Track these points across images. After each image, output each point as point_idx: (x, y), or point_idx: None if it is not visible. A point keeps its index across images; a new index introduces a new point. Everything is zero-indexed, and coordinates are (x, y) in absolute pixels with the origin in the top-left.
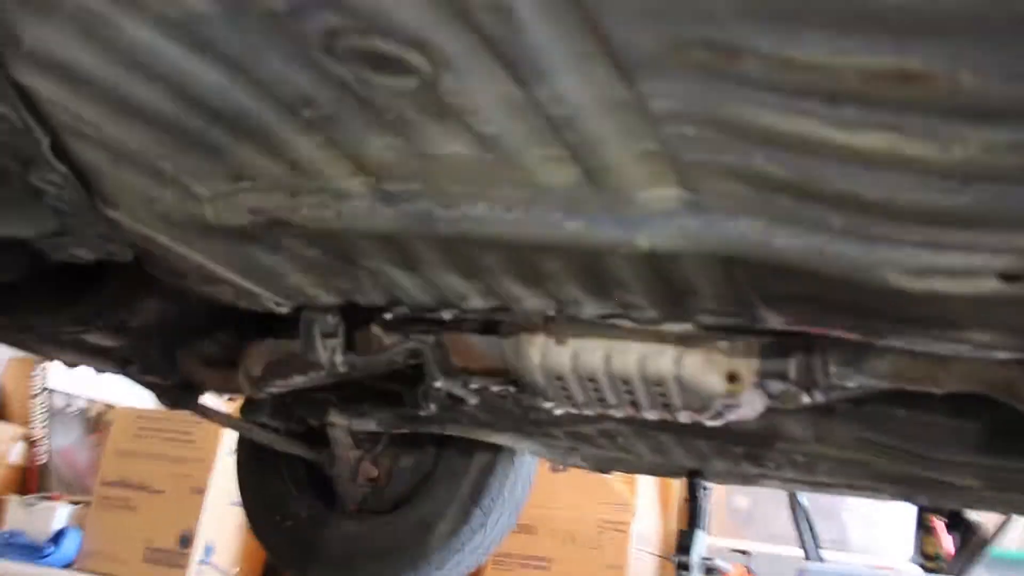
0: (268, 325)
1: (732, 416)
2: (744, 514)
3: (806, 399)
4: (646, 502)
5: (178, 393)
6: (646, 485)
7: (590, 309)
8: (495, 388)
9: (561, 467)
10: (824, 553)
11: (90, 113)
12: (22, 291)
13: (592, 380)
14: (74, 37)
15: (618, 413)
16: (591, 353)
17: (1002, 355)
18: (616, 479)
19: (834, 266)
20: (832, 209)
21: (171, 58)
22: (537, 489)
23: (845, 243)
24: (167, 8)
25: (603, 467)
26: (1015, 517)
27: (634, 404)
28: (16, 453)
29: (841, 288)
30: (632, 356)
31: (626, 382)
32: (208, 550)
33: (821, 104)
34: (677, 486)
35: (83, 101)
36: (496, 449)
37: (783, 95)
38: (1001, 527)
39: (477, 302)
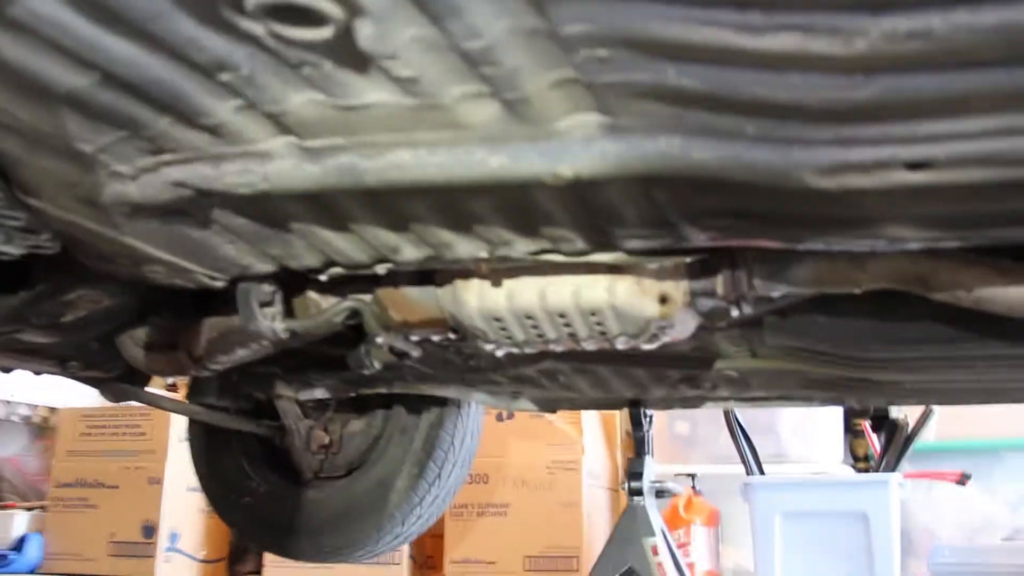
0: (204, 302)
1: (666, 338)
2: (686, 438)
3: (735, 313)
4: (592, 439)
5: (121, 385)
6: (591, 423)
7: (521, 247)
8: (436, 338)
9: (507, 415)
10: (765, 468)
11: (1, 98)
12: None
13: (530, 317)
14: None
15: (558, 348)
16: (526, 291)
17: (914, 246)
18: (562, 420)
19: (752, 173)
20: (746, 116)
21: (77, 30)
22: (486, 439)
23: (761, 148)
24: None
25: (548, 407)
26: (934, 410)
27: (573, 336)
28: None
29: (761, 196)
30: (566, 289)
31: (563, 315)
32: (174, 537)
33: (727, 12)
34: (620, 420)
35: None
36: (442, 403)
37: (691, 6)
38: (921, 421)
39: (410, 253)
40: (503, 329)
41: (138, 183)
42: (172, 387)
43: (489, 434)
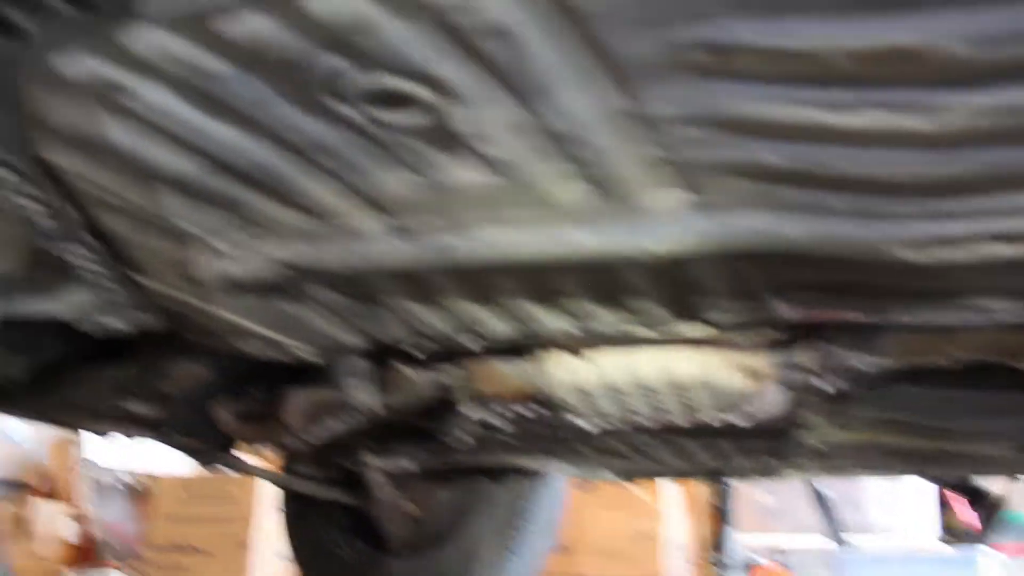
0: (299, 373)
1: (757, 412)
2: (769, 508)
3: (824, 387)
4: (673, 508)
5: (215, 452)
6: (671, 491)
7: (607, 320)
8: (526, 412)
9: (588, 485)
10: (849, 536)
11: (113, 183)
12: (58, 369)
13: (618, 391)
14: (93, 109)
15: (646, 422)
16: (615, 366)
17: (1004, 318)
18: (639, 489)
19: (842, 247)
20: (835, 191)
21: (185, 118)
22: (568, 509)
23: (850, 223)
24: (180, 71)
25: (629, 476)
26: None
27: (661, 411)
28: (69, 530)
29: (850, 269)
30: (655, 364)
31: (652, 390)
32: None
33: (813, 90)
34: (704, 489)
35: (106, 172)
36: (528, 473)
37: (777, 86)
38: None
39: (498, 328)
40: (592, 405)
41: (239, 261)
42: (258, 454)
43: (570, 502)
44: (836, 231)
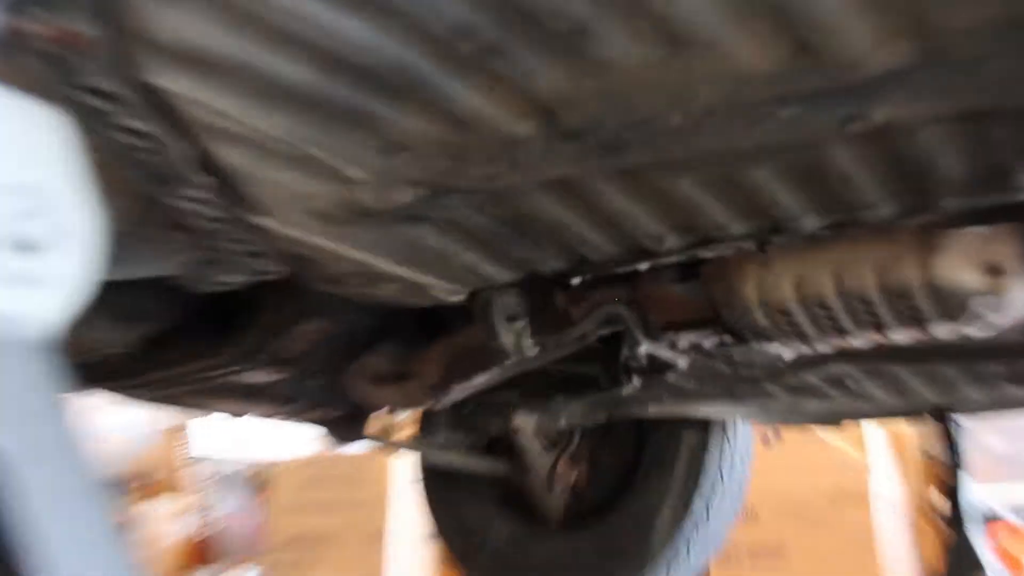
0: (436, 326)
1: (998, 319)
2: (1001, 454)
3: None
4: (882, 462)
5: (348, 424)
6: (878, 442)
7: (811, 222)
8: (707, 343)
9: (772, 438)
10: None
11: (231, 104)
12: (167, 339)
13: (823, 307)
14: (209, 15)
15: (857, 342)
16: (817, 275)
17: None
18: (843, 440)
19: None
20: None
21: (312, 16)
22: (752, 468)
23: None
24: None
25: (832, 420)
26: None
27: (877, 325)
28: (188, 525)
29: None
30: (867, 268)
31: (865, 300)
32: None
33: None
34: (913, 438)
35: (223, 91)
36: (705, 425)
37: None
38: None
39: (675, 241)
40: (791, 324)
41: (371, 187)
42: (386, 432)
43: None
44: None
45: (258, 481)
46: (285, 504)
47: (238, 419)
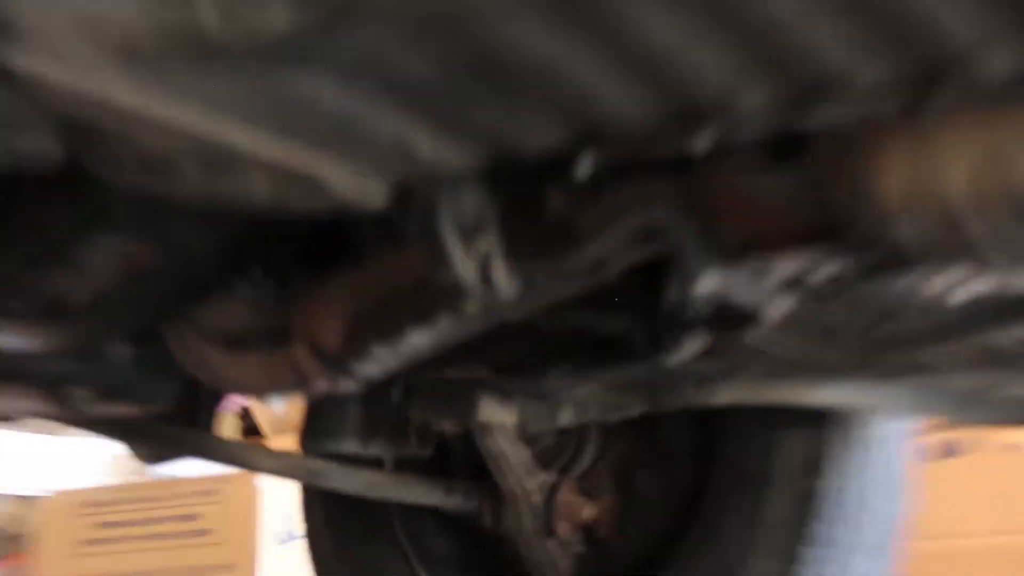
0: (334, 256)
1: None
2: None
3: None
4: None
5: (174, 429)
6: None
7: (1001, 62)
8: (819, 273)
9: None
10: None
11: None
12: None
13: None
14: None
15: None
16: (1005, 155)
17: None
18: None
19: None
20: None
21: None
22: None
23: None
24: None
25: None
26: None
27: None
28: None
29: None
30: None
31: None
32: None
33: None
34: None
35: None
36: (818, 421)
37: None
38: None
39: (756, 99)
40: (960, 237)
41: (219, 6)
42: (253, 432)
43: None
44: None
45: (8, 536)
46: (61, 555)
47: None
